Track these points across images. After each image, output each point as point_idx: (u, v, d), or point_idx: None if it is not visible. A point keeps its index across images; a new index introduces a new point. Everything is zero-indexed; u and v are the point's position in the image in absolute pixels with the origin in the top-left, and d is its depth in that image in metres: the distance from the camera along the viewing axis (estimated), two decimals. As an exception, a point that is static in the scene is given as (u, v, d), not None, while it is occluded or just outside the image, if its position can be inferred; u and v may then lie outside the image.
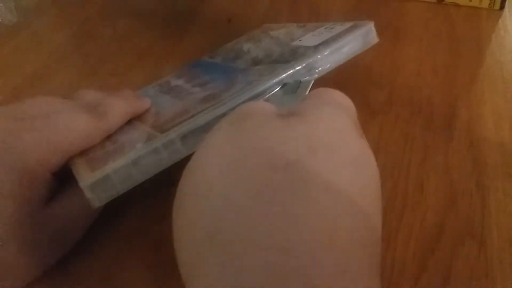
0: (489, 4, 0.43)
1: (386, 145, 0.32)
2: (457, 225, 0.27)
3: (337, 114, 0.19)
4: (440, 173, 0.30)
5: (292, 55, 0.29)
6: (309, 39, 0.31)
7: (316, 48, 0.29)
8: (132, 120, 0.29)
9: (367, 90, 0.37)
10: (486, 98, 0.34)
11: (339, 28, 0.31)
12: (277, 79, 0.27)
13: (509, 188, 0.28)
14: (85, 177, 0.23)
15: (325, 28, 0.32)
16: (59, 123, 0.25)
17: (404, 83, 0.37)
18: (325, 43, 0.29)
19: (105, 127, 0.27)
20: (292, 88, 0.27)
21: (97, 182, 0.23)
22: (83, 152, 0.26)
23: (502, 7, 0.43)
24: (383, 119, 0.34)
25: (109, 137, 0.27)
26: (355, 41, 0.29)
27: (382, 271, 0.26)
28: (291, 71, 0.27)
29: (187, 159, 0.25)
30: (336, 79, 0.38)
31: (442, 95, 0.35)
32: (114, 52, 0.44)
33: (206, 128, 0.24)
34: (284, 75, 0.27)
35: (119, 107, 0.28)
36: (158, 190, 0.31)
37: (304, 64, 0.27)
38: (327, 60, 0.28)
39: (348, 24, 0.31)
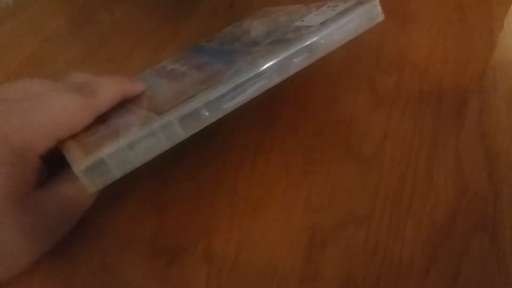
0: (501, -11, 0.41)
1: (394, 134, 0.31)
2: (468, 217, 0.26)
3: None
4: (450, 163, 0.29)
5: (294, 35, 0.28)
6: (312, 18, 0.30)
7: (319, 27, 0.27)
8: (128, 105, 0.28)
9: (375, 76, 0.35)
10: (498, 86, 0.33)
11: (342, 6, 0.29)
12: (277, 59, 0.25)
13: (523, 179, 0.27)
14: (79, 161, 0.22)
15: (328, 7, 0.30)
16: (45, 104, 0.24)
17: (414, 70, 0.35)
18: (328, 22, 0.27)
19: (94, 106, 0.25)
20: None
21: (92, 166, 0.21)
22: (76, 136, 0.24)
23: (514, -8, 0.41)
24: (391, 106, 0.33)
25: (103, 121, 0.26)
26: (359, 18, 0.27)
27: (390, 263, 0.25)
28: (293, 50, 0.26)
29: (186, 142, 0.24)
30: (343, 63, 0.37)
31: (453, 82, 0.34)
32: (112, 37, 0.43)
33: (205, 108, 0.23)
34: (285, 55, 0.25)
35: (109, 86, 0.27)
36: (156, 177, 0.30)
37: (307, 43, 0.26)
38: (331, 38, 0.27)
39: (351, 1, 0.29)
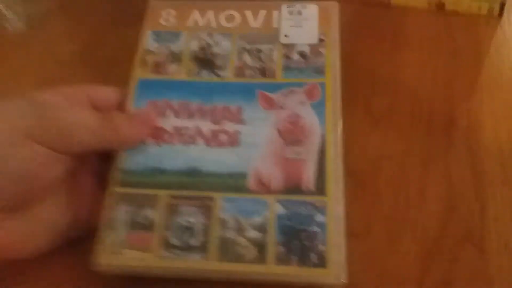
0: (488, 10, 0.44)
1: (388, 152, 0.33)
2: (457, 230, 0.29)
3: None
4: (441, 180, 0.31)
5: None
6: None
7: None
8: None
9: (370, 98, 0.38)
10: (485, 106, 0.36)
11: None
12: None
13: (507, 195, 0.30)
14: None
15: None
16: (69, 117, 0.27)
17: (405, 91, 0.38)
18: None
19: (111, 141, 0.29)
20: None
21: None
22: None
23: (501, 14, 0.44)
24: (386, 127, 0.35)
25: None
26: None
27: (384, 273, 0.27)
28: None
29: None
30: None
31: (442, 102, 0.37)
32: (123, 61, 0.45)
33: None
34: None
35: (131, 127, 0.30)
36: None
37: None
38: None
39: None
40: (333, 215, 0.27)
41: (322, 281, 0.25)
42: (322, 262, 0.26)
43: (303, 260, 0.26)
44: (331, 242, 0.26)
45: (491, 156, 0.32)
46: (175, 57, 0.34)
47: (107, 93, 0.33)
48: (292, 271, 0.26)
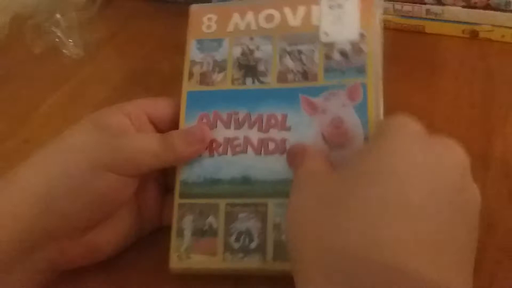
0: (521, 38, 0.45)
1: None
2: (495, 249, 0.30)
3: None
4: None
5: None
6: None
7: None
8: None
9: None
10: (521, 131, 0.37)
11: None
12: None
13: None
14: None
15: None
16: (129, 142, 0.30)
17: (441, 117, 0.40)
18: None
19: (169, 158, 0.31)
20: None
21: None
22: None
23: (534, 41, 0.45)
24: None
25: None
26: None
27: None
28: None
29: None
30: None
31: (479, 126, 0.38)
32: (173, 86, 0.49)
33: None
34: None
35: (188, 142, 0.32)
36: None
37: None
38: None
39: None
40: None
41: None
42: None
43: None
44: None
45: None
46: (220, 66, 0.35)
47: (163, 107, 0.35)
48: None
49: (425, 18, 0.48)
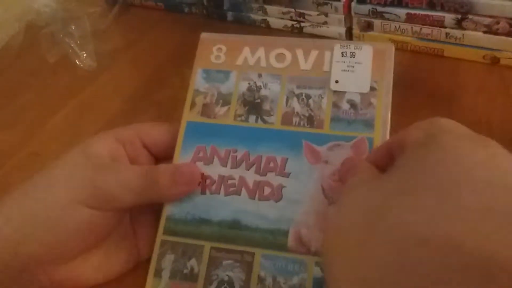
0: (544, 66, 0.44)
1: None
2: None
3: None
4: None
5: None
6: None
7: None
8: None
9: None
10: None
11: None
12: None
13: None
14: None
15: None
16: (111, 175, 0.30)
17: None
18: None
19: (149, 193, 0.30)
20: None
21: None
22: None
23: (557, 69, 0.44)
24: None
25: None
26: None
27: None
28: None
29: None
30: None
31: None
32: (183, 103, 0.48)
33: None
34: None
35: (172, 181, 0.31)
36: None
37: None
38: None
39: None
40: None
41: None
42: None
43: None
44: None
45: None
46: (224, 99, 0.34)
47: (160, 133, 0.34)
48: None
49: (445, 42, 0.46)
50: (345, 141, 0.31)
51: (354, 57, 0.34)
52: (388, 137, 0.31)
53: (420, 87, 0.45)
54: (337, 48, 0.34)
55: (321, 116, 0.32)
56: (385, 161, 0.26)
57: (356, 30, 0.51)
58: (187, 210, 0.31)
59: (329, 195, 0.30)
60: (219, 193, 0.31)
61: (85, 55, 0.53)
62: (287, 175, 0.31)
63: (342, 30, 0.51)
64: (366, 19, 0.49)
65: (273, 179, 0.31)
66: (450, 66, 0.47)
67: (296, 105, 0.33)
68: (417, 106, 0.43)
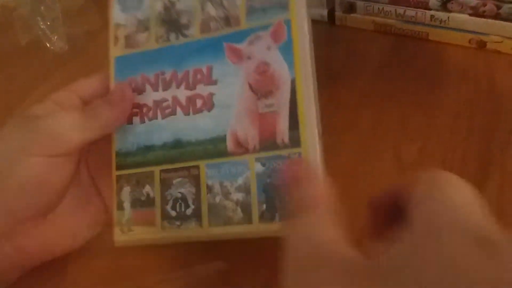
0: (534, 51, 0.42)
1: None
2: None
3: None
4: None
5: None
6: None
7: None
8: None
9: (400, 143, 0.37)
10: (521, 161, 0.34)
11: None
12: None
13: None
14: None
15: None
16: (49, 123, 0.29)
17: (438, 136, 0.37)
18: None
19: (94, 127, 0.30)
20: None
21: None
22: None
23: (547, 54, 0.42)
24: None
25: None
26: None
27: None
28: None
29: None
30: (368, 130, 0.38)
31: (476, 155, 0.35)
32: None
33: None
34: None
35: (112, 108, 0.30)
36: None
37: None
38: None
39: None
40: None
41: None
42: None
43: (283, 215, 0.26)
44: None
45: (523, 219, 0.31)
46: (143, 25, 0.34)
47: (92, 84, 0.34)
48: (276, 227, 0.26)
49: (429, 25, 0.44)
50: (263, 31, 0.29)
51: None
52: (308, 18, 0.29)
53: (403, 72, 0.43)
54: None
55: (237, 13, 0.31)
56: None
57: (338, 12, 0.48)
58: (132, 141, 0.31)
59: (256, 89, 0.29)
60: (157, 118, 0.31)
61: (56, 37, 0.51)
62: (215, 82, 0.30)
63: (325, 12, 0.49)
64: (348, 0, 0.47)
65: (203, 89, 0.30)
66: (434, 51, 0.45)
67: (211, 10, 0.32)
68: (400, 90, 0.41)
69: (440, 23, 0.43)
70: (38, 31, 0.52)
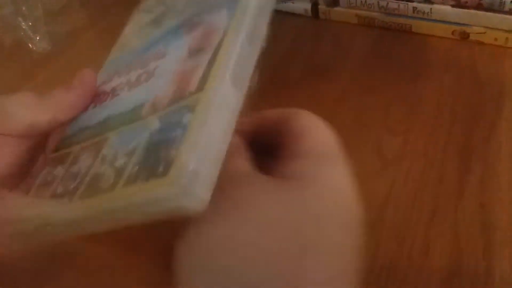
0: (517, 41, 0.41)
1: (395, 200, 0.32)
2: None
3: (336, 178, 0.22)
4: (447, 234, 0.30)
5: None
6: None
7: None
8: None
9: (382, 136, 0.37)
10: (503, 154, 0.34)
11: None
12: None
13: (515, 257, 0.28)
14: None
15: None
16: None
17: (420, 129, 0.37)
18: None
19: (51, 107, 0.28)
20: None
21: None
22: None
23: (530, 45, 0.41)
24: (395, 170, 0.34)
25: None
26: None
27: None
28: None
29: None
30: (350, 123, 0.38)
31: (458, 146, 0.35)
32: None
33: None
34: None
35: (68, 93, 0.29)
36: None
37: None
38: None
39: None
40: (204, 108, 0.20)
41: (162, 195, 0.18)
42: (166, 170, 0.18)
43: (150, 174, 0.19)
44: (188, 141, 0.19)
45: (504, 211, 0.31)
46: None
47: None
48: (137, 190, 0.20)
49: (412, 17, 0.44)
50: None
51: None
52: None
53: (386, 64, 0.43)
54: None
55: None
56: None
57: (322, 6, 0.48)
58: (74, 125, 0.29)
59: (191, 49, 0.26)
60: (106, 101, 0.29)
61: (38, 38, 0.50)
62: (163, 56, 0.28)
63: (308, 6, 0.49)
64: (331, -7, 0.46)
65: (152, 65, 0.28)
66: (418, 43, 0.44)
67: None
68: (383, 83, 0.41)
69: (423, 15, 0.43)
70: (20, 32, 0.51)
